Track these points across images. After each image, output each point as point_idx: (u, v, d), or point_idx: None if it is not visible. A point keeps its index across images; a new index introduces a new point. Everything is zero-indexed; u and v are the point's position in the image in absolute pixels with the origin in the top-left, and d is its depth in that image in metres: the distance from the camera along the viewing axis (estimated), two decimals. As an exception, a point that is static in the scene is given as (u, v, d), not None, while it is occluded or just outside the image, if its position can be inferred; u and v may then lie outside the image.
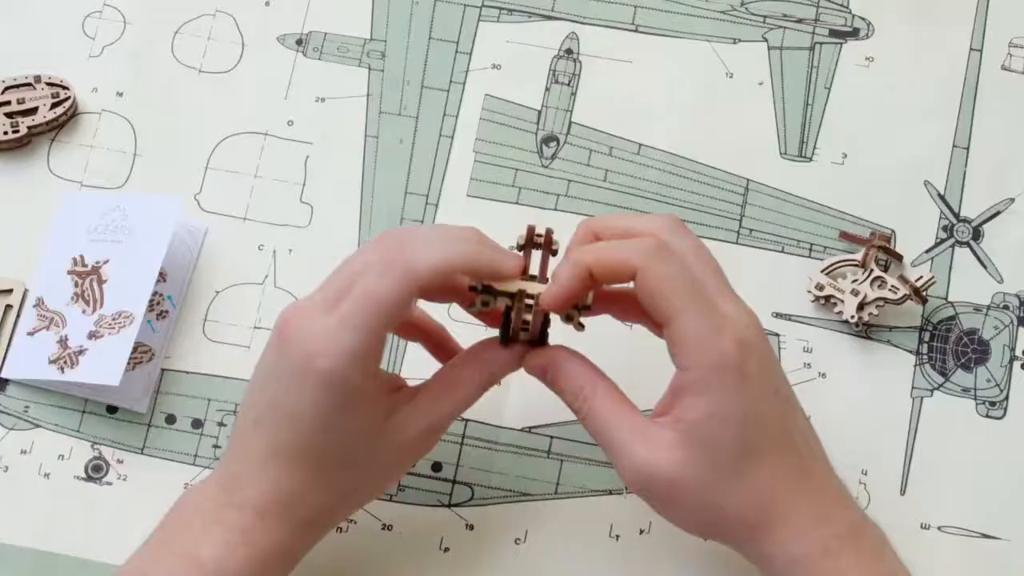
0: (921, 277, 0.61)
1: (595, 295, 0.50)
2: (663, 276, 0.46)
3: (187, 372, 0.62)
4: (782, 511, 0.48)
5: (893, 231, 0.64)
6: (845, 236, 0.63)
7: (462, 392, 0.50)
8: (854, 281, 0.61)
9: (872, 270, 0.61)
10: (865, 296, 0.61)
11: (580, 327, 0.49)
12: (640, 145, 0.65)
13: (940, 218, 0.64)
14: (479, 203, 0.64)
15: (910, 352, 0.62)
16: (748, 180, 0.64)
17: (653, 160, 0.65)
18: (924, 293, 0.61)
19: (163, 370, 0.61)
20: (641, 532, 0.59)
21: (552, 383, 0.51)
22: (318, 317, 0.47)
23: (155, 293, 0.61)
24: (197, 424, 0.61)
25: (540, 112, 0.66)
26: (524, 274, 0.49)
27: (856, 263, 0.62)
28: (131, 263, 0.61)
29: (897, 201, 0.64)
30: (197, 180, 0.65)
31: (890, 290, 0.60)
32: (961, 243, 0.64)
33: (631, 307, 0.52)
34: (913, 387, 0.61)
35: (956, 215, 0.64)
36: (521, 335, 0.50)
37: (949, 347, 0.62)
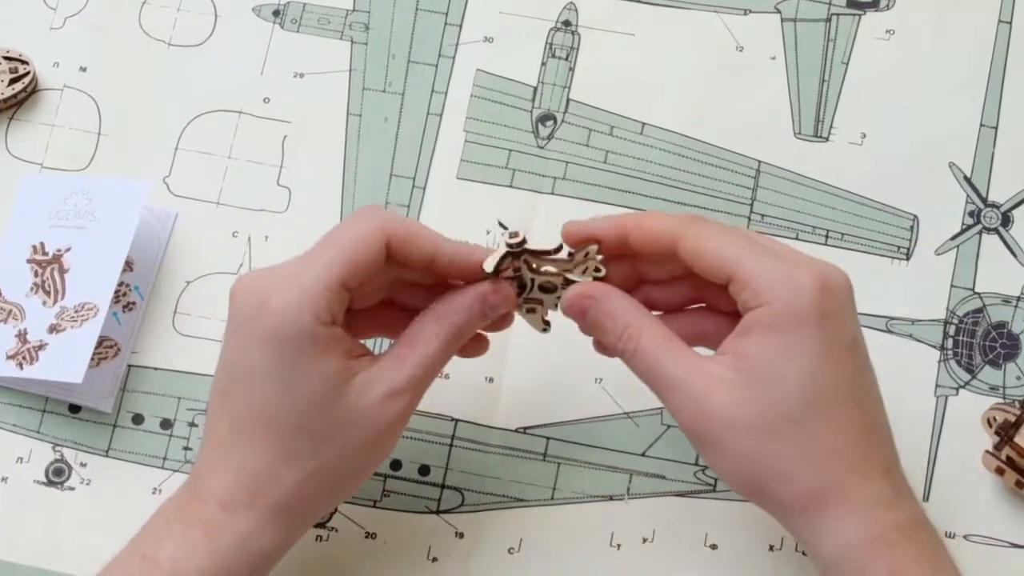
0: None
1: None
2: (710, 234, 0.46)
3: (155, 368, 0.61)
4: (844, 483, 0.46)
5: (916, 216, 0.62)
6: None
7: (424, 348, 0.49)
8: None
9: None
10: None
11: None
12: (643, 124, 0.64)
13: (966, 202, 0.63)
14: (470, 186, 0.63)
15: (933, 347, 0.61)
16: (760, 162, 0.63)
17: (657, 140, 0.64)
18: None
19: (130, 366, 0.61)
20: (644, 541, 0.58)
21: (593, 323, 0.49)
22: (272, 272, 0.47)
23: (121, 283, 0.61)
24: (166, 424, 0.60)
25: (536, 89, 0.65)
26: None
27: None
28: (95, 251, 0.60)
29: (920, 184, 0.63)
30: (166, 162, 0.64)
31: None
32: (989, 230, 0.62)
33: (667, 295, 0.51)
34: (937, 385, 0.60)
35: (984, 199, 0.63)
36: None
37: (976, 342, 0.61)
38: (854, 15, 0.65)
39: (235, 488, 0.48)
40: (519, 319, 0.52)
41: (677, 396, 0.47)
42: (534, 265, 0.50)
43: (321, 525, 0.58)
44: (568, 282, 0.50)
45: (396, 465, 0.59)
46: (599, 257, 0.49)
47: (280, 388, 0.47)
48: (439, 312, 0.50)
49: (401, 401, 0.49)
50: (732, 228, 0.48)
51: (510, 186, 0.63)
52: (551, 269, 0.50)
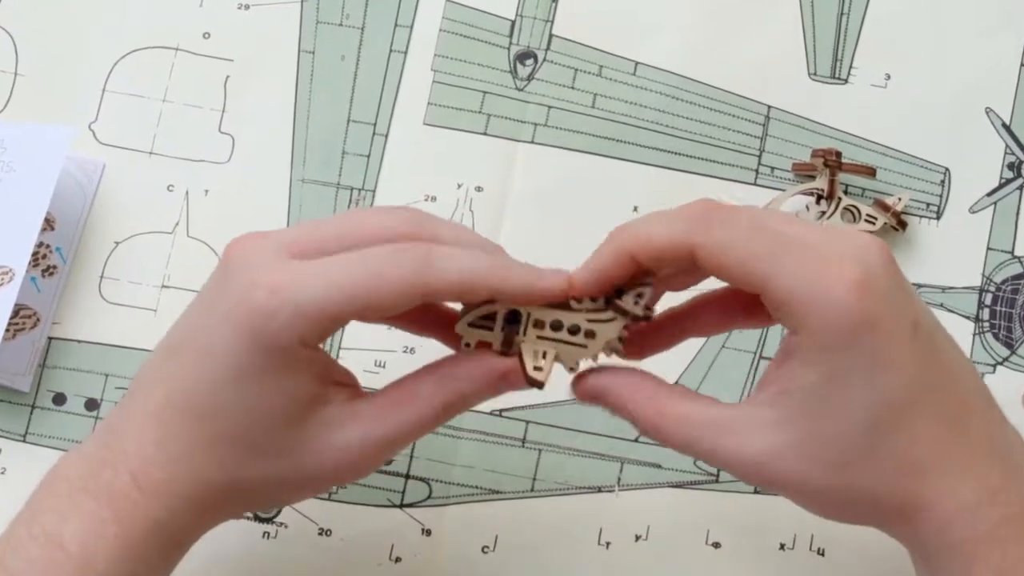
0: (900, 199, 0.59)
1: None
2: (731, 243, 0.42)
3: (80, 341, 0.59)
4: (931, 486, 0.43)
5: (947, 169, 0.60)
6: (798, 167, 0.60)
7: (417, 409, 0.46)
8: (822, 215, 0.59)
9: (840, 199, 0.59)
10: None
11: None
12: (636, 63, 0.62)
13: (1005, 153, 0.61)
14: (439, 133, 0.62)
15: (967, 318, 0.60)
16: (769, 107, 0.62)
17: (652, 82, 0.62)
18: (903, 218, 0.59)
19: (50, 339, 0.59)
20: (637, 538, 0.57)
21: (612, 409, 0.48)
22: (282, 254, 0.44)
23: (40, 244, 0.59)
24: (92, 405, 0.59)
25: (514, 23, 0.63)
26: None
27: (818, 192, 0.59)
28: (10, 207, 0.58)
29: (952, 133, 0.61)
30: (92, 106, 0.62)
31: (866, 220, 0.58)
32: (1031, 184, 0.62)
33: (714, 318, 0.48)
34: (972, 361, 0.59)
35: (1025, 150, 0.62)
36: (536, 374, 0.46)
37: (1016, 312, 0.60)
38: (878, -62, 0.64)
39: (152, 464, 0.45)
40: None
41: (726, 466, 0.45)
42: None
43: (268, 520, 0.56)
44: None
45: (354, 452, 0.59)
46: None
47: (236, 387, 0.44)
48: (444, 374, 0.47)
49: (367, 458, 0.47)
50: (757, 223, 0.43)
51: (484, 133, 0.62)
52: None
